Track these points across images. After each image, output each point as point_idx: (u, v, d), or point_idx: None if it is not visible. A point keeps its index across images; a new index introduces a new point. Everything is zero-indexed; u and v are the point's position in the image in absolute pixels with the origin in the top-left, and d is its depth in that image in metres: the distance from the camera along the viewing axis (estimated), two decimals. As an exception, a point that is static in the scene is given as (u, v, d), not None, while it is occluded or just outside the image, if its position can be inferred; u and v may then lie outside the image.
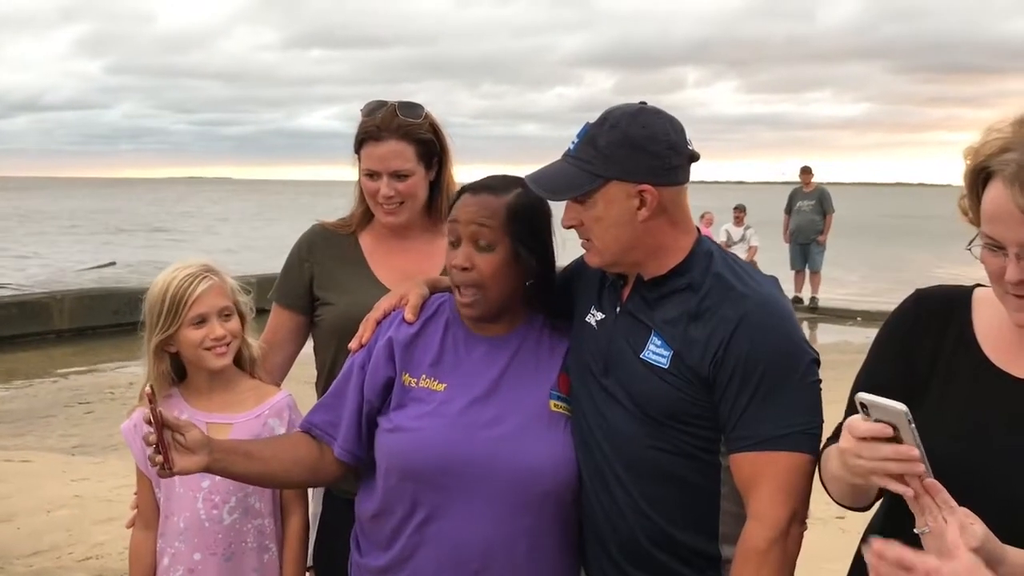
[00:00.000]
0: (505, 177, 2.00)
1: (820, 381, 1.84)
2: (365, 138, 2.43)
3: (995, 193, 1.44)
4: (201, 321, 2.25)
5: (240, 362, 2.37)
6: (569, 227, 1.91)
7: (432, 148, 2.47)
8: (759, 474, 1.77)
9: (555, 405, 1.98)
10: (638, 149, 1.83)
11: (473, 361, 2.02)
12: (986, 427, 1.54)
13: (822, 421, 1.81)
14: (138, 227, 40.52)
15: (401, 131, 2.41)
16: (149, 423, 1.83)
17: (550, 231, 2.02)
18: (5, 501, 5.67)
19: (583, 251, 1.97)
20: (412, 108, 2.45)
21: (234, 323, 2.30)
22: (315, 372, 2.59)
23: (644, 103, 1.89)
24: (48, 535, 5.15)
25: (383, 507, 2.01)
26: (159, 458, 1.83)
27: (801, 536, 1.81)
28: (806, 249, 14.37)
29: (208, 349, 2.26)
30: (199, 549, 2.27)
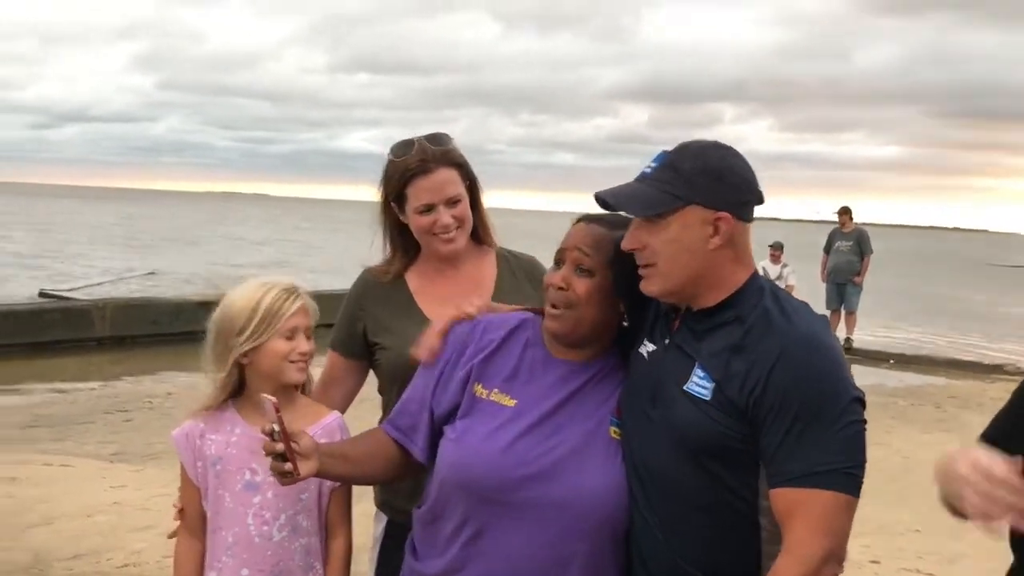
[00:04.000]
0: (623, 216, 2.04)
1: (864, 422, 1.83)
2: (412, 175, 2.45)
3: None
4: (291, 336, 2.31)
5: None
6: (631, 249, 1.93)
7: (469, 171, 2.53)
8: (794, 510, 1.77)
9: (615, 432, 2.02)
10: (719, 179, 1.88)
11: (547, 383, 2.06)
12: None
13: (863, 461, 1.81)
14: (174, 239, 41.05)
15: (446, 158, 2.47)
16: (271, 434, 1.87)
17: None
18: (46, 504, 5.77)
19: None
20: (441, 137, 2.51)
21: (313, 343, 2.37)
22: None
23: (718, 142, 1.95)
24: (87, 540, 5.23)
25: (437, 514, 2.05)
26: (287, 466, 1.87)
27: None
28: (842, 289, 14.30)
29: (292, 362, 2.32)
30: (247, 565, 2.31)
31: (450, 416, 2.08)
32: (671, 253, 1.88)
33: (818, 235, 14.89)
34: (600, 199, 1.95)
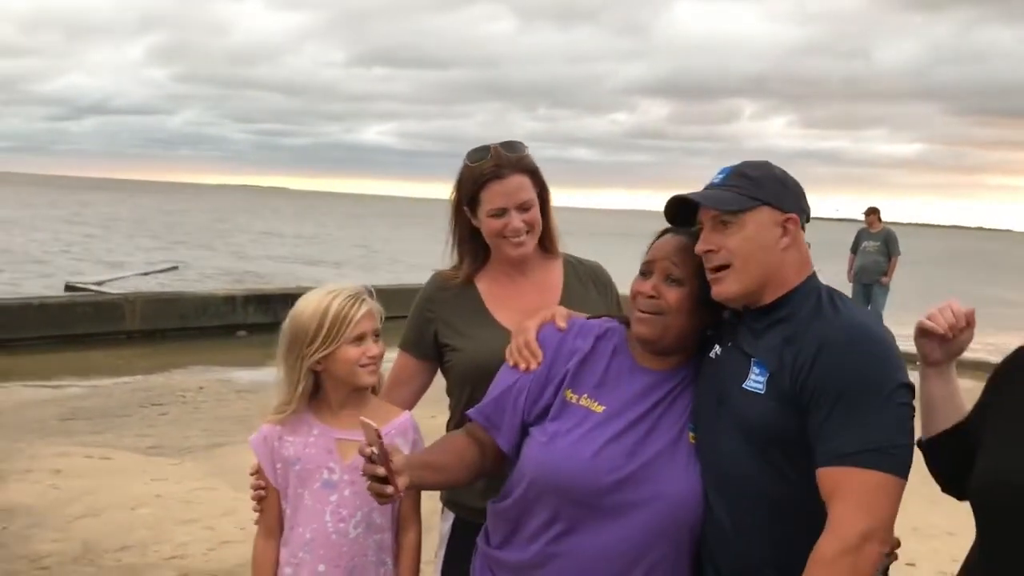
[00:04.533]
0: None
1: (912, 407, 1.88)
2: (487, 180, 2.52)
3: None
4: (360, 340, 2.38)
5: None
6: (706, 251, 2.01)
7: (540, 178, 2.59)
8: (836, 488, 1.82)
9: (692, 437, 2.09)
10: (785, 186, 2.04)
11: (633, 391, 2.12)
12: None
13: (909, 443, 1.85)
14: (196, 232, 41.32)
15: (520, 165, 2.54)
16: (370, 458, 1.92)
17: None
18: (91, 496, 5.87)
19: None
20: (516, 144, 2.58)
21: (382, 345, 2.43)
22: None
23: None
24: (133, 532, 5.32)
25: (523, 511, 2.11)
26: (389, 489, 1.91)
27: (877, 557, 1.82)
28: (869, 290, 14.26)
29: (363, 366, 2.38)
30: (324, 561, 2.37)
31: (539, 418, 2.14)
32: (747, 252, 1.97)
33: (838, 233, 14.83)
34: (680, 199, 2.05)
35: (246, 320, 14.02)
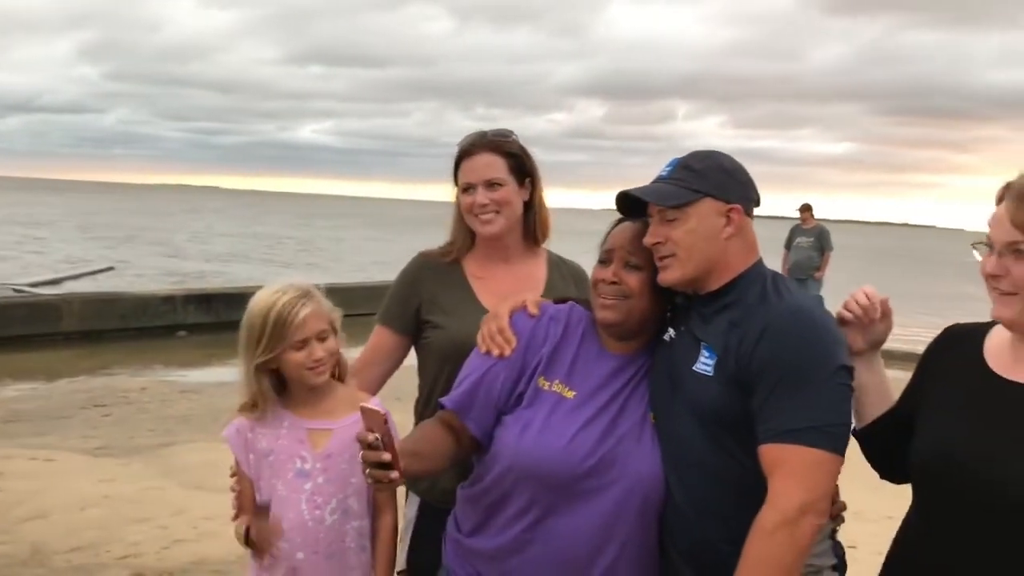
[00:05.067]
0: None
1: (850, 387, 1.99)
2: (460, 157, 2.65)
3: (1002, 204, 1.85)
4: (303, 345, 2.41)
5: (333, 371, 2.53)
6: (653, 244, 2.12)
7: (521, 164, 2.68)
8: (776, 464, 1.92)
9: (653, 417, 2.19)
10: (730, 176, 2.13)
11: (601, 376, 2.20)
12: (981, 421, 1.85)
13: (847, 422, 1.97)
14: (131, 231, 40.50)
15: (491, 145, 2.65)
16: (370, 446, 1.89)
17: None
18: (37, 497, 5.80)
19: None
20: (502, 130, 2.69)
21: (331, 342, 2.46)
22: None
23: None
24: (84, 532, 5.27)
25: (497, 497, 2.17)
26: (393, 474, 1.90)
27: (814, 529, 1.90)
28: (803, 284, 14.59)
29: (310, 369, 2.43)
30: (302, 548, 2.42)
31: (512, 405, 2.20)
32: (690, 242, 2.08)
33: (771, 230, 15.18)
34: (625, 195, 2.16)
35: (186, 320, 13.86)
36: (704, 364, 2.05)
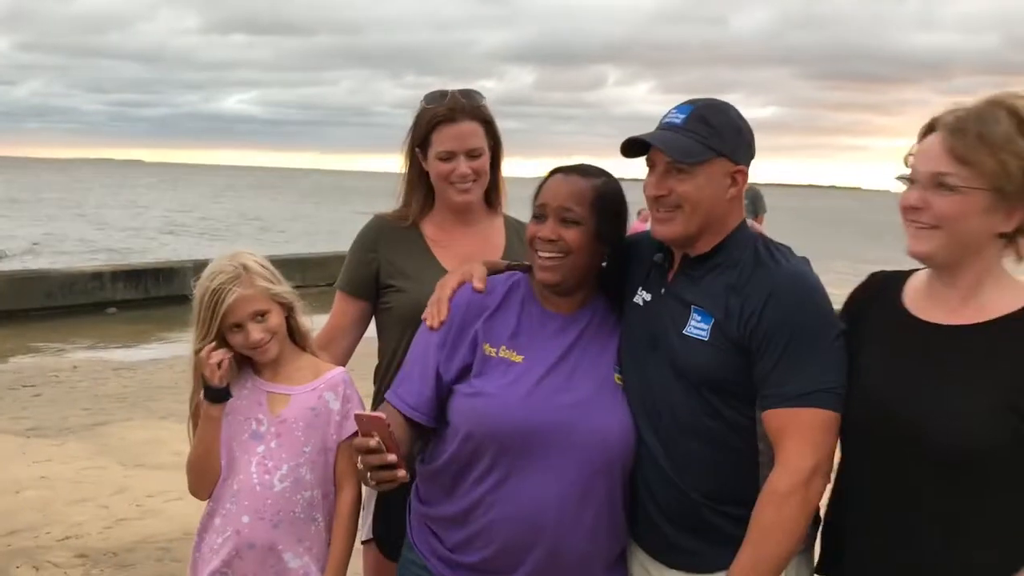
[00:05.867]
0: (591, 166, 2.22)
1: (845, 349, 2.01)
2: (439, 122, 2.56)
3: (931, 138, 1.86)
4: (238, 328, 2.37)
5: (295, 338, 2.49)
6: (658, 196, 2.07)
7: (493, 130, 2.64)
8: (786, 428, 1.96)
9: (618, 378, 2.18)
10: (740, 136, 2.08)
11: (547, 336, 2.19)
12: (899, 365, 1.91)
13: (845, 383, 1.98)
14: (54, 207, 39.28)
15: (473, 112, 2.58)
16: (371, 450, 1.87)
17: (626, 218, 2.22)
18: (-31, 482, 5.62)
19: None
20: (474, 92, 2.62)
21: (272, 319, 2.40)
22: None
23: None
24: (22, 515, 5.13)
25: (459, 465, 2.16)
26: (400, 473, 1.90)
27: (822, 488, 1.96)
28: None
29: (253, 349, 2.39)
30: (248, 512, 2.38)
31: (461, 377, 2.18)
32: (696, 199, 2.04)
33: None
34: (637, 140, 2.07)
35: (116, 297, 13.48)
36: (697, 328, 2.04)
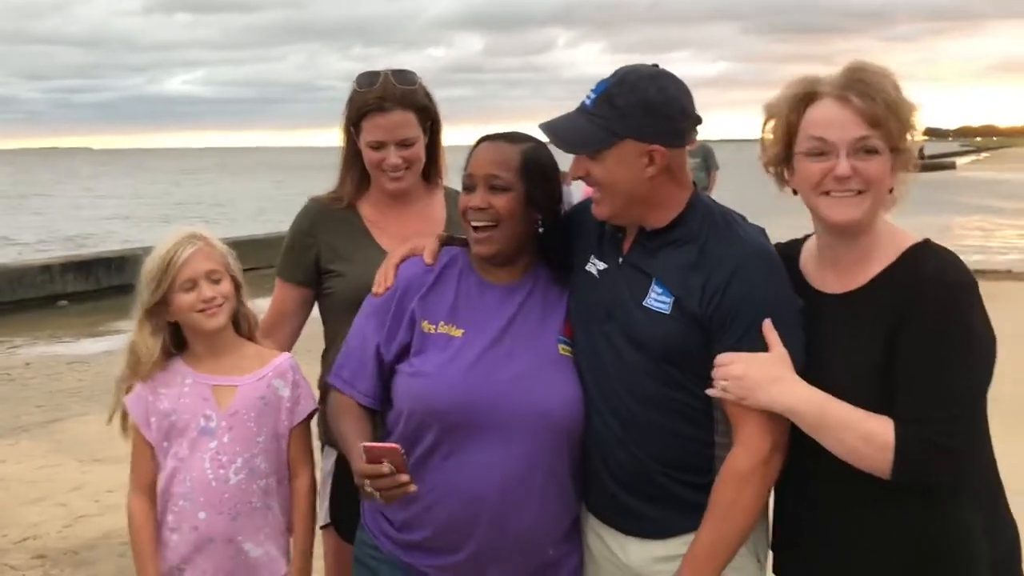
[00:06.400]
0: (519, 132, 2.18)
1: (804, 328, 2.00)
2: (368, 111, 2.49)
3: (823, 107, 1.88)
4: (192, 286, 2.31)
5: (239, 327, 2.44)
6: (577, 178, 2.06)
7: (429, 113, 2.57)
8: (747, 407, 1.94)
9: (563, 349, 2.15)
10: (654, 112, 1.98)
11: (487, 308, 2.16)
12: (810, 341, 1.95)
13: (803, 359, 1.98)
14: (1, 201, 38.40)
15: (405, 100, 2.50)
16: (380, 476, 1.91)
17: (559, 181, 2.18)
18: (-80, 487, 5.48)
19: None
20: (407, 75, 2.53)
21: (225, 286, 2.36)
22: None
23: (657, 66, 2.05)
24: (-25, 519, 5.02)
25: (404, 445, 2.09)
26: (412, 488, 1.93)
27: (780, 464, 1.97)
28: (693, 205, 14.85)
29: (200, 311, 2.32)
30: (204, 508, 2.34)
31: (401, 356, 2.15)
32: (610, 181, 2.01)
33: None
34: (544, 131, 2.06)
35: (66, 289, 13.22)
36: (658, 301, 2.01)
